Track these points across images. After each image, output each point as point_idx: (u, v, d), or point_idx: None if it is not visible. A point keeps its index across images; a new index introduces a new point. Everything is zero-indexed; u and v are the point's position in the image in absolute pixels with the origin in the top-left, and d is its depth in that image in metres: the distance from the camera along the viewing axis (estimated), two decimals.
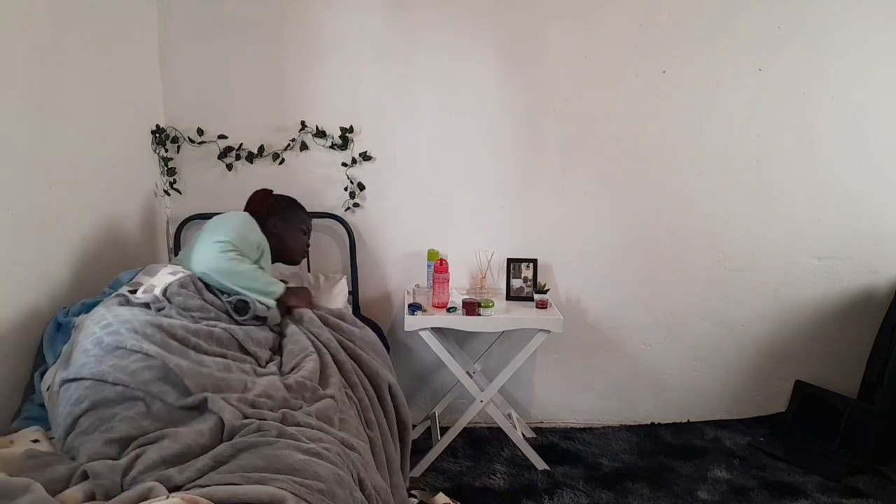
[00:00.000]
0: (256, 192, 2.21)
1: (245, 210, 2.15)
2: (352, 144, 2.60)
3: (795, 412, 2.85)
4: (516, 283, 2.64)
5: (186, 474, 1.16)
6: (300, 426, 1.34)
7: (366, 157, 2.60)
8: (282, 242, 2.12)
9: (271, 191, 2.22)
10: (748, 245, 2.75)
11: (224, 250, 1.82)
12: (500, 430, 2.54)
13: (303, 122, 2.56)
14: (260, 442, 1.22)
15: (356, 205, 2.65)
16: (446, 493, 2.23)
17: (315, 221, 2.64)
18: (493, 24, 2.53)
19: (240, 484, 1.10)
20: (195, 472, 1.17)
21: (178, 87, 2.53)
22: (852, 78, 2.59)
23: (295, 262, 2.26)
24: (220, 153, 2.55)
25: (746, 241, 2.74)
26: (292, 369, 1.65)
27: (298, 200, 2.24)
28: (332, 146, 2.59)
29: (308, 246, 2.27)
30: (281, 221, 2.12)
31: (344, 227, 2.62)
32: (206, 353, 1.55)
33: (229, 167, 2.57)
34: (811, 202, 2.71)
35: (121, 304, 1.66)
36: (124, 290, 1.75)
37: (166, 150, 2.54)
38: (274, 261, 2.12)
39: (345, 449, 1.34)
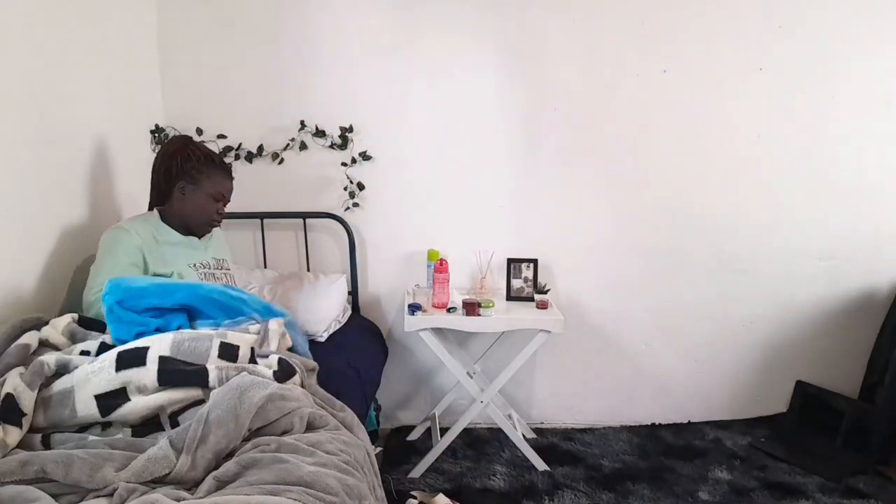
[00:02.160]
0: (173, 141, 2.00)
1: (158, 157, 1.92)
2: (351, 144, 2.59)
3: (796, 413, 2.84)
4: (516, 283, 2.63)
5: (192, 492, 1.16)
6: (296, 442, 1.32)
7: (365, 156, 2.60)
8: (183, 210, 1.87)
9: (185, 138, 2.00)
10: (749, 245, 2.74)
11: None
12: (500, 430, 2.53)
13: (302, 122, 2.55)
14: (265, 457, 1.20)
15: (356, 205, 2.65)
16: (446, 494, 2.22)
17: (315, 221, 2.65)
18: (494, 23, 2.52)
19: (252, 494, 1.09)
20: (203, 491, 1.15)
21: (178, 86, 2.53)
22: (853, 77, 2.59)
23: (199, 235, 1.95)
24: (220, 153, 2.55)
25: (747, 241, 2.74)
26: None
27: (219, 157, 1.96)
28: (332, 146, 2.59)
29: (220, 214, 1.94)
30: (190, 184, 1.85)
31: (343, 227, 2.62)
32: None
33: None
34: (812, 202, 2.71)
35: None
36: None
37: None
38: (184, 232, 1.90)
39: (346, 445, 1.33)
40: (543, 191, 2.68)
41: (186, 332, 1.45)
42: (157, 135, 2.48)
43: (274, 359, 1.47)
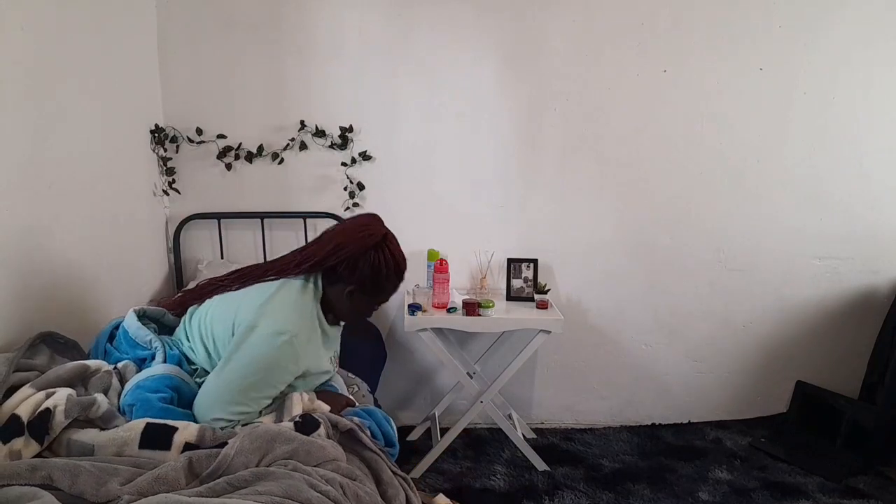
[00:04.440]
0: (367, 228, 1.56)
1: (341, 243, 1.53)
2: (351, 144, 2.59)
3: (797, 413, 2.84)
4: (517, 283, 2.63)
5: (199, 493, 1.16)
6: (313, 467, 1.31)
7: (365, 156, 2.60)
8: (342, 310, 1.59)
9: (386, 230, 1.58)
10: (749, 245, 2.74)
11: (231, 419, 1.41)
12: (500, 430, 2.53)
13: (302, 122, 2.55)
14: (278, 472, 1.22)
15: (356, 205, 2.65)
16: (446, 494, 2.20)
17: (315, 221, 2.64)
18: (494, 22, 2.52)
19: (260, 503, 1.10)
20: (208, 489, 1.16)
21: (177, 86, 2.52)
22: (852, 77, 2.59)
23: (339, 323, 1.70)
24: (220, 153, 2.55)
25: (747, 241, 2.74)
26: None
27: (405, 265, 1.60)
28: (332, 146, 2.59)
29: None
30: (362, 295, 1.55)
31: None
32: None
33: (228, 167, 2.56)
34: (812, 202, 2.71)
35: None
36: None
37: (165, 150, 2.53)
38: (328, 316, 1.59)
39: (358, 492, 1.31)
40: (544, 191, 2.68)
41: None
42: (156, 134, 2.48)
43: (297, 416, 1.42)
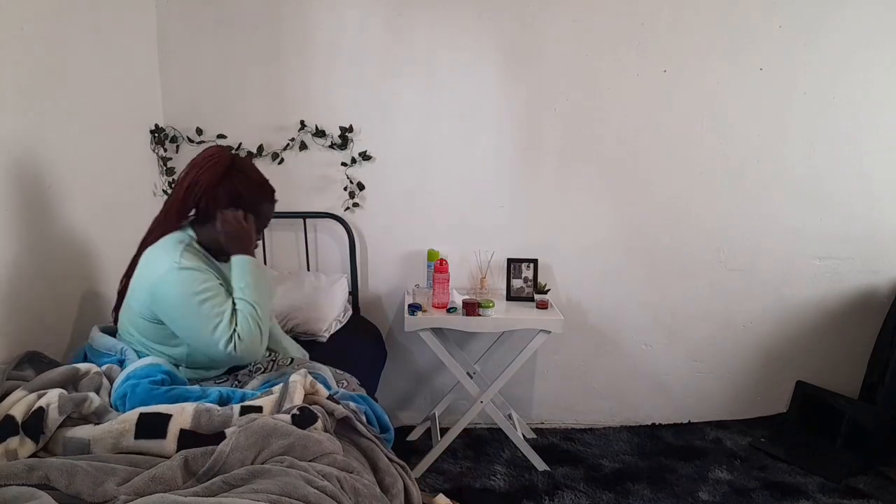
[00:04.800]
0: (211, 158, 1.61)
1: (193, 179, 1.59)
2: (351, 144, 2.59)
3: (797, 413, 2.84)
4: (516, 283, 2.63)
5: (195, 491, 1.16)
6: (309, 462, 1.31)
7: (365, 156, 2.60)
8: (224, 236, 1.61)
9: (233, 155, 1.64)
10: (749, 245, 2.74)
11: (233, 329, 1.52)
12: (500, 430, 2.53)
13: (302, 122, 2.55)
14: (274, 469, 1.22)
15: (356, 205, 2.65)
16: (446, 494, 2.21)
17: (315, 221, 2.64)
18: (494, 23, 2.52)
19: (256, 501, 1.10)
20: (204, 489, 1.16)
21: (177, 86, 2.52)
22: (852, 77, 2.59)
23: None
24: None
25: (747, 241, 2.74)
26: None
27: (265, 180, 1.67)
28: (332, 146, 2.59)
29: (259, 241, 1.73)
30: (243, 208, 1.62)
31: (343, 227, 2.62)
32: None
33: None
34: (812, 202, 2.71)
35: None
36: None
37: (165, 150, 2.53)
38: (223, 259, 1.65)
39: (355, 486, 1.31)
40: (543, 191, 2.68)
41: (208, 403, 1.40)
42: (156, 134, 2.48)
43: (295, 408, 1.42)
